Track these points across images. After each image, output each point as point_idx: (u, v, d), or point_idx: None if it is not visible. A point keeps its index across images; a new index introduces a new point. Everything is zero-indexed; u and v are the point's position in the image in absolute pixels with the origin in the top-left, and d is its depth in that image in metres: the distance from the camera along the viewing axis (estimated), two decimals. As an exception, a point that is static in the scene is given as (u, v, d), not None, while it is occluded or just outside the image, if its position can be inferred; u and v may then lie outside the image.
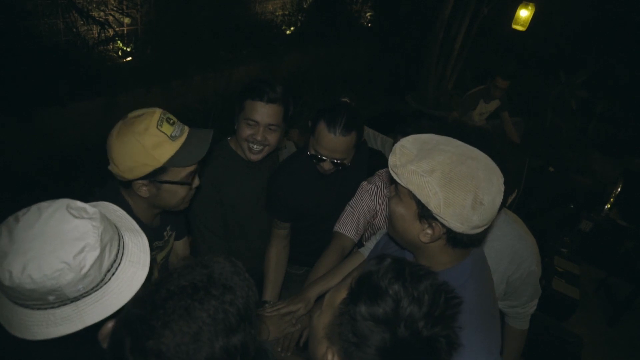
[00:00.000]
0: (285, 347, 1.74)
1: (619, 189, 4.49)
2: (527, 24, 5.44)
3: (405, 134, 2.05)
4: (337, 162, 1.84)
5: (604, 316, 3.82)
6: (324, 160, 1.83)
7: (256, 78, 1.84)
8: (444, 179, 1.02)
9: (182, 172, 1.40)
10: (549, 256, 3.69)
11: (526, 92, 6.73)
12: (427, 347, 0.81)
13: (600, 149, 6.39)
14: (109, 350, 0.82)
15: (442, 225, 1.07)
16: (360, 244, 2.11)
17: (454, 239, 1.11)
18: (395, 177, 1.11)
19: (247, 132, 1.81)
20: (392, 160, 1.12)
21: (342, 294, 0.92)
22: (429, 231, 1.11)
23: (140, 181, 1.35)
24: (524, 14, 5.40)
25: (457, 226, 1.04)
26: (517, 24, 5.49)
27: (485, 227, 1.09)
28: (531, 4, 5.33)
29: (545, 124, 6.40)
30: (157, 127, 1.31)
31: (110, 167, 1.34)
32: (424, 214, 1.08)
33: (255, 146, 1.84)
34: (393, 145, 2.45)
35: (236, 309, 0.80)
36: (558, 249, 3.88)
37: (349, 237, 2.01)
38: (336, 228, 2.05)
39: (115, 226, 1.08)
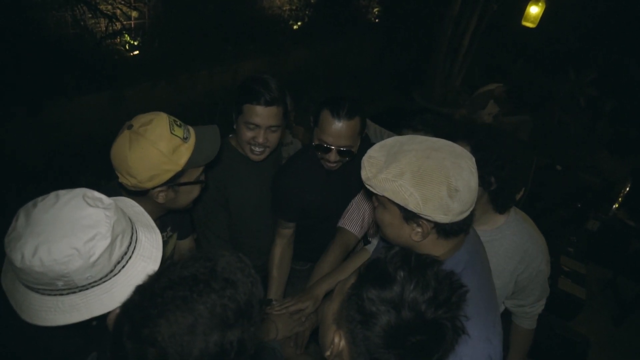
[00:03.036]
0: (299, 344, 1.73)
1: (628, 189, 4.44)
2: (538, 21, 5.36)
3: (411, 127, 2.04)
4: (343, 151, 1.82)
5: (610, 316, 3.80)
6: (330, 149, 1.82)
7: (251, 77, 1.80)
8: (415, 178, 1.05)
9: (197, 172, 1.41)
10: (555, 255, 3.66)
11: (534, 89, 6.66)
12: (432, 329, 0.84)
13: (609, 148, 6.31)
14: (112, 335, 0.84)
15: (428, 220, 1.10)
16: (366, 240, 2.10)
17: (444, 230, 1.14)
18: (370, 189, 1.14)
19: (248, 135, 1.81)
20: (363, 173, 1.14)
21: (352, 281, 0.95)
22: (419, 229, 1.13)
23: (159, 188, 1.33)
24: (534, 10, 5.32)
25: (442, 218, 1.07)
26: (527, 20, 5.41)
27: (470, 210, 1.12)
28: (542, 0, 5.26)
29: (553, 122, 6.35)
30: (170, 131, 1.29)
31: (122, 180, 1.28)
32: (408, 215, 1.11)
33: (257, 148, 1.84)
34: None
35: (236, 305, 0.80)
36: (565, 248, 3.85)
37: (353, 234, 2.00)
38: (341, 224, 2.04)
39: (131, 220, 1.09)
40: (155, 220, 1.55)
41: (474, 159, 1.13)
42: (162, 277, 0.82)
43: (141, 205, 1.40)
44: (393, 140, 1.18)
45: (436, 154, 1.08)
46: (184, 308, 0.76)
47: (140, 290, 0.83)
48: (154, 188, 1.32)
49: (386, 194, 1.09)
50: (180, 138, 1.31)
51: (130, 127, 1.28)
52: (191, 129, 1.40)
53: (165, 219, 1.65)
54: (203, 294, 0.78)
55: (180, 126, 1.35)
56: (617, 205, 4.35)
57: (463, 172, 1.07)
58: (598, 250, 4.25)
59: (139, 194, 1.34)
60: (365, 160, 1.15)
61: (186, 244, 1.88)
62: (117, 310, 0.97)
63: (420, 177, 1.04)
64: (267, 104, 1.74)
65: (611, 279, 4.05)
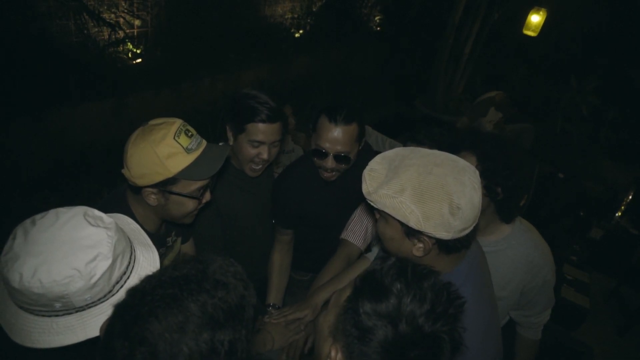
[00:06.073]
0: (291, 355, 1.71)
1: (631, 197, 4.43)
2: (539, 30, 5.38)
3: (416, 140, 2.03)
4: (340, 157, 1.80)
5: (615, 325, 3.76)
6: (327, 155, 1.80)
7: (244, 94, 1.78)
8: (416, 195, 1.03)
9: (192, 186, 1.39)
10: (558, 264, 3.63)
11: (537, 97, 6.67)
12: (430, 343, 0.82)
13: (612, 156, 6.31)
14: (102, 339, 0.82)
15: (430, 237, 1.07)
16: (367, 248, 2.09)
17: (446, 247, 1.12)
18: (371, 203, 1.12)
19: (252, 152, 1.80)
20: (364, 187, 1.12)
21: (348, 293, 0.93)
22: (420, 245, 1.11)
23: (149, 189, 1.35)
24: (536, 19, 5.34)
25: (443, 235, 1.04)
26: (528, 29, 5.43)
27: (472, 226, 1.09)
28: (543, 9, 5.27)
29: (555, 130, 6.34)
30: (173, 137, 1.30)
31: (123, 171, 1.33)
32: (409, 231, 1.09)
33: (258, 166, 1.84)
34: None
35: (227, 306, 0.80)
36: (568, 256, 3.82)
37: (356, 246, 1.99)
38: (343, 235, 2.03)
39: (129, 239, 1.07)
40: (160, 226, 1.56)
41: (477, 173, 1.11)
42: (153, 278, 0.81)
43: (140, 207, 1.44)
44: (394, 153, 1.16)
45: (438, 169, 1.06)
46: (174, 306, 0.76)
47: (131, 291, 0.82)
48: (145, 187, 1.33)
49: (387, 210, 1.07)
50: (182, 147, 1.31)
51: (145, 124, 1.34)
52: (203, 143, 1.41)
53: (172, 224, 1.66)
54: (194, 293, 0.78)
55: (190, 137, 1.36)
56: (620, 214, 4.34)
57: (465, 188, 1.04)
58: (602, 259, 4.22)
59: (136, 191, 1.38)
60: (367, 173, 1.13)
61: (187, 247, 1.87)
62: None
63: (421, 194, 1.02)
64: (272, 120, 1.74)
65: (615, 287, 4.02)
